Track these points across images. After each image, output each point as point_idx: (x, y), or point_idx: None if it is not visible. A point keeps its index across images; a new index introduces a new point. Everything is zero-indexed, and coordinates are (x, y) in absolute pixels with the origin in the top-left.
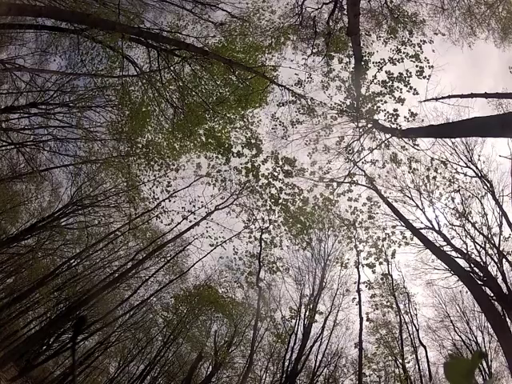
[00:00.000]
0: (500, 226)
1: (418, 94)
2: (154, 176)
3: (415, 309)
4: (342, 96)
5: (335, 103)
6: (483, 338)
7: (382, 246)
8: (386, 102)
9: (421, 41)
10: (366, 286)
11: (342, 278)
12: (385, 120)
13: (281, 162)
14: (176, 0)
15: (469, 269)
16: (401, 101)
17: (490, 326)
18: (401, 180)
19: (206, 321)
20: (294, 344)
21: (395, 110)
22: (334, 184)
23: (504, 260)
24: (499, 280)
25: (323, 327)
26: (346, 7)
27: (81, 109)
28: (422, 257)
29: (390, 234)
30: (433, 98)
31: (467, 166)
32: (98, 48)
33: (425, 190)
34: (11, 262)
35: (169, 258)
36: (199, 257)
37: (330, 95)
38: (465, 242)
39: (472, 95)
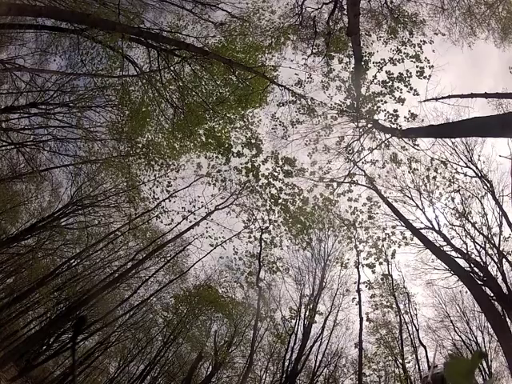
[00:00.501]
0: (500, 226)
1: (418, 94)
2: (154, 176)
3: (415, 309)
4: (342, 96)
5: (335, 103)
6: (483, 338)
7: (382, 246)
8: (386, 102)
9: (421, 41)
10: (366, 286)
11: (342, 277)
12: (385, 120)
13: (281, 162)
14: (176, 0)
15: (469, 269)
16: (401, 101)
17: (490, 326)
18: (401, 180)
19: (206, 321)
20: (294, 344)
21: (395, 110)
22: (334, 184)
23: (504, 260)
24: (499, 280)
25: (323, 327)
26: (346, 7)
27: (81, 109)
28: (422, 257)
29: (390, 234)
30: (433, 98)
31: (467, 166)
32: (98, 48)
33: (425, 190)
34: (11, 262)
35: (169, 258)
36: (199, 257)
37: (330, 95)
38: (465, 242)
39: (472, 95)
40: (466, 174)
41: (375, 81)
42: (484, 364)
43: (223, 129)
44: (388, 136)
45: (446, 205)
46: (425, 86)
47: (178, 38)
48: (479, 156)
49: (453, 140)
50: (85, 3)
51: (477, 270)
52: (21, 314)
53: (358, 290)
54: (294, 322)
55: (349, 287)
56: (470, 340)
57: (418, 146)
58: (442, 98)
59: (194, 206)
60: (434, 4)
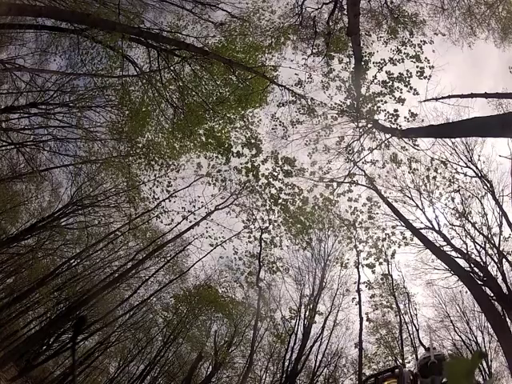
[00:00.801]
0: (500, 226)
1: (418, 94)
2: (154, 176)
3: (415, 309)
4: (342, 96)
5: (335, 103)
6: (483, 338)
7: (382, 246)
8: (386, 102)
9: (421, 41)
10: (366, 286)
11: (342, 277)
12: (385, 120)
13: (280, 162)
14: (176, 0)
15: (469, 269)
16: (401, 101)
17: (490, 326)
18: (401, 180)
19: (206, 321)
20: (294, 344)
21: (395, 110)
22: (334, 184)
23: (504, 260)
24: (499, 280)
25: (323, 327)
26: (346, 7)
27: (81, 109)
28: (422, 257)
29: (390, 234)
30: (433, 98)
31: (467, 166)
32: (98, 48)
33: (425, 190)
34: (11, 262)
35: (169, 258)
36: (199, 257)
37: (330, 95)
38: (465, 242)
39: (472, 95)
40: (466, 174)
41: (375, 81)
42: (484, 364)
43: (223, 129)
44: (388, 136)
45: (445, 205)
46: (425, 86)
47: (178, 37)
48: (479, 156)
49: (453, 140)
50: (85, 3)
51: (477, 270)
52: (21, 314)
53: (358, 290)
54: (293, 321)
55: (349, 287)
56: (470, 340)
57: (418, 146)
58: (442, 98)
59: (194, 206)
60: (434, 4)
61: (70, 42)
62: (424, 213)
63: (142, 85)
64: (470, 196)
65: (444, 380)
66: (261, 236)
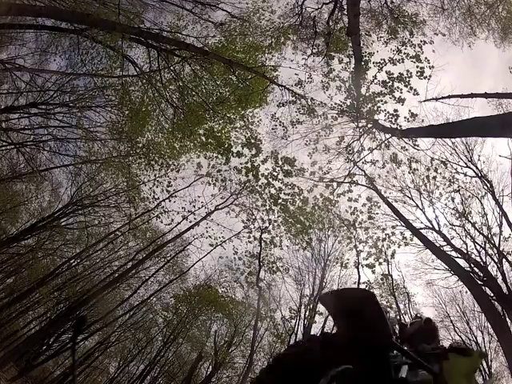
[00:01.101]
0: (500, 226)
1: (418, 94)
2: (154, 176)
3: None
4: (342, 96)
5: (335, 103)
6: (483, 338)
7: (382, 246)
8: (386, 102)
9: (421, 41)
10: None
11: (342, 278)
12: (385, 120)
13: (280, 162)
14: (176, 0)
15: (469, 269)
16: (401, 101)
17: (490, 326)
18: (401, 180)
19: (206, 321)
20: None
21: (395, 110)
22: (334, 184)
23: (504, 260)
24: (499, 280)
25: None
26: (346, 7)
27: (81, 109)
28: (422, 257)
29: (390, 235)
30: (433, 98)
31: (467, 166)
32: (98, 48)
33: (425, 190)
34: (11, 262)
35: (169, 258)
36: (199, 257)
37: (330, 95)
38: (465, 242)
39: (472, 95)
40: (466, 174)
41: (375, 81)
42: (484, 364)
43: (223, 129)
44: (388, 136)
45: (445, 205)
46: (425, 86)
47: (178, 37)
48: (479, 156)
49: (453, 140)
50: (85, 3)
51: (477, 270)
52: (21, 314)
53: None
54: (294, 321)
55: None
56: (470, 340)
57: (418, 146)
58: (442, 98)
59: (194, 206)
60: (434, 4)
61: (70, 41)
62: (424, 213)
63: (141, 85)
64: (470, 196)
65: (436, 346)
66: (261, 236)
